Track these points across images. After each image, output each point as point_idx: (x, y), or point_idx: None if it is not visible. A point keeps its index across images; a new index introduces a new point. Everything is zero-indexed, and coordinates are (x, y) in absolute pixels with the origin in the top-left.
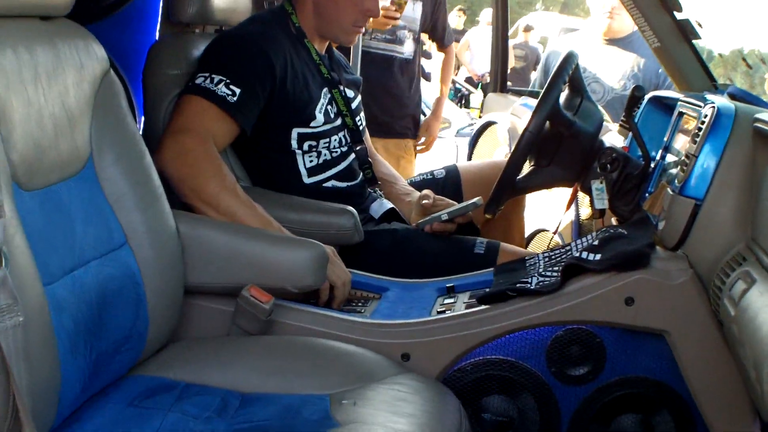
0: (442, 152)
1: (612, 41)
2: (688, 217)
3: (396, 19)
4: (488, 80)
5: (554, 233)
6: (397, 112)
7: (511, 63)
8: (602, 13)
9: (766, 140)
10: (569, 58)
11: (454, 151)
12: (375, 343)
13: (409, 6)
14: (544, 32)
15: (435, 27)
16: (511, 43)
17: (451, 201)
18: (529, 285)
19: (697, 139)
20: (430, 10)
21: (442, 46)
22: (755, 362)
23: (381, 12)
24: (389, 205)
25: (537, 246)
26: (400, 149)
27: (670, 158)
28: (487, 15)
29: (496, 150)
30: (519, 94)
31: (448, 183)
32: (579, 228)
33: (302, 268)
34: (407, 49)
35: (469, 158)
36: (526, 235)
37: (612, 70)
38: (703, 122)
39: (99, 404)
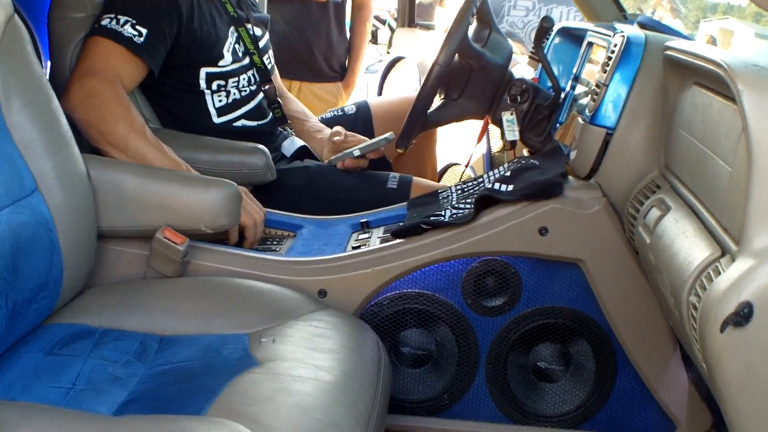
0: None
1: None
2: (599, 145)
3: None
4: (396, 16)
5: (466, 166)
6: (329, 56)
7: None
8: None
9: (676, 68)
10: None
11: (364, 88)
12: (291, 281)
13: None
14: None
15: None
16: None
17: (362, 137)
18: (442, 218)
19: (608, 69)
20: None
21: None
22: (673, 288)
23: None
24: (301, 142)
25: (449, 179)
26: (330, 94)
27: (580, 88)
28: None
29: (405, 85)
30: (427, 28)
31: (359, 119)
32: (491, 160)
33: (216, 208)
34: None
35: (379, 94)
36: (439, 169)
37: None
38: (612, 52)
39: (16, 355)
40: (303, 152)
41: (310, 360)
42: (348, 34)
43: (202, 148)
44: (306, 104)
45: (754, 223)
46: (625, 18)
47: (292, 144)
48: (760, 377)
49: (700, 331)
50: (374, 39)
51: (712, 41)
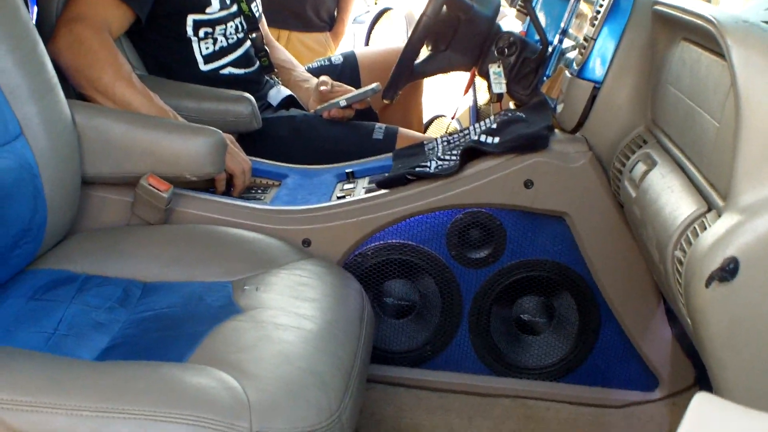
0: None
1: None
2: (586, 99)
3: None
4: None
5: (452, 118)
6: (318, 5)
7: None
8: None
9: (665, 23)
10: None
11: (351, 38)
12: (276, 229)
13: None
14: None
15: None
16: None
17: (349, 87)
18: (428, 169)
19: (596, 23)
20: None
21: None
22: (658, 243)
23: None
24: (287, 92)
25: (435, 131)
26: (319, 43)
27: (567, 43)
28: None
29: (393, 36)
30: None
31: (346, 69)
32: (477, 113)
33: (200, 156)
34: None
35: (366, 45)
36: (425, 120)
37: None
38: (601, 6)
39: None
40: (289, 101)
41: (293, 308)
42: None
43: (188, 95)
44: (295, 54)
45: (741, 178)
46: None
47: (278, 93)
48: (745, 332)
49: (686, 287)
50: None
51: None
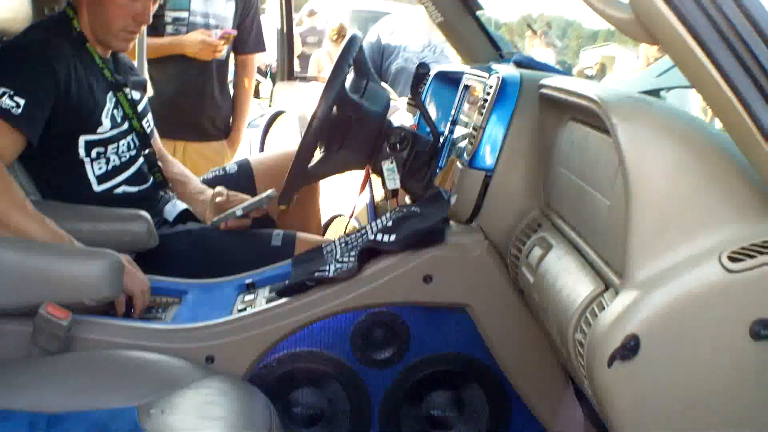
0: None
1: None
2: (479, 188)
3: (220, 51)
4: (276, 69)
5: (350, 218)
6: (214, 115)
7: (298, 51)
8: None
9: (552, 105)
10: (352, 41)
11: (247, 143)
12: (178, 348)
13: (221, 4)
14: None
15: (243, 27)
16: (299, 29)
17: (244, 196)
18: (327, 273)
19: (484, 111)
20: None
21: (245, 51)
22: (559, 326)
23: (209, 46)
24: (183, 205)
25: (335, 232)
26: (216, 152)
27: (459, 131)
28: (270, 4)
29: (287, 139)
30: (306, 80)
31: (241, 177)
32: (375, 210)
33: (97, 280)
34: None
35: (262, 149)
36: (323, 221)
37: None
38: (488, 93)
39: None
40: (186, 215)
41: (200, 429)
42: (231, 92)
43: (83, 218)
44: (192, 165)
45: (635, 255)
46: (501, 57)
47: (174, 208)
48: (651, 408)
49: (589, 368)
50: (256, 93)
51: (602, 69)
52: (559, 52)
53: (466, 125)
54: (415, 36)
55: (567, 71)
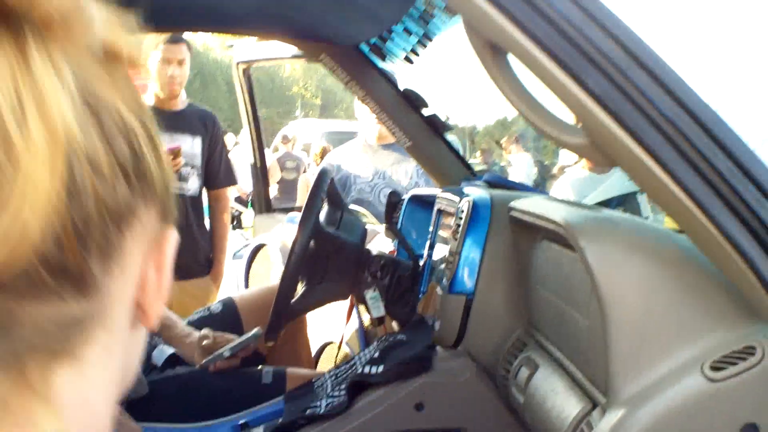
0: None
1: (387, 146)
2: (461, 312)
3: (176, 166)
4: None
5: (339, 347)
6: (194, 251)
7: (278, 177)
8: (370, 120)
9: (524, 226)
10: (323, 174)
11: (233, 277)
12: None
13: (188, 142)
14: (306, 139)
15: (211, 162)
16: (276, 156)
17: (230, 336)
18: (318, 409)
19: (458, 236)
20: (207, 144)
21: (216, 186)
22: None
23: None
24: (170, 350)
25: (327, 360)
26: (200, 289)
27: (437, 255)
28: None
29: (271, 271)
30: (285, 210)
31: (227, 316)
32: (365, 335)
33: None
34: (192, 185)
35: (246, 282)
36: (315, 350)
37: (399, 170)
38: (461, 218)
39: None
40: (174, 359)
41: None
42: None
43: None
44: (178, 304)
45: (617, 373)
46: (474, 176)
47: (161, 353)
48: None
49: None
50: (238, 224)
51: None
52: (537, 151)
53: (445, 243)
54: (361, 166)
55: (545, 174)
